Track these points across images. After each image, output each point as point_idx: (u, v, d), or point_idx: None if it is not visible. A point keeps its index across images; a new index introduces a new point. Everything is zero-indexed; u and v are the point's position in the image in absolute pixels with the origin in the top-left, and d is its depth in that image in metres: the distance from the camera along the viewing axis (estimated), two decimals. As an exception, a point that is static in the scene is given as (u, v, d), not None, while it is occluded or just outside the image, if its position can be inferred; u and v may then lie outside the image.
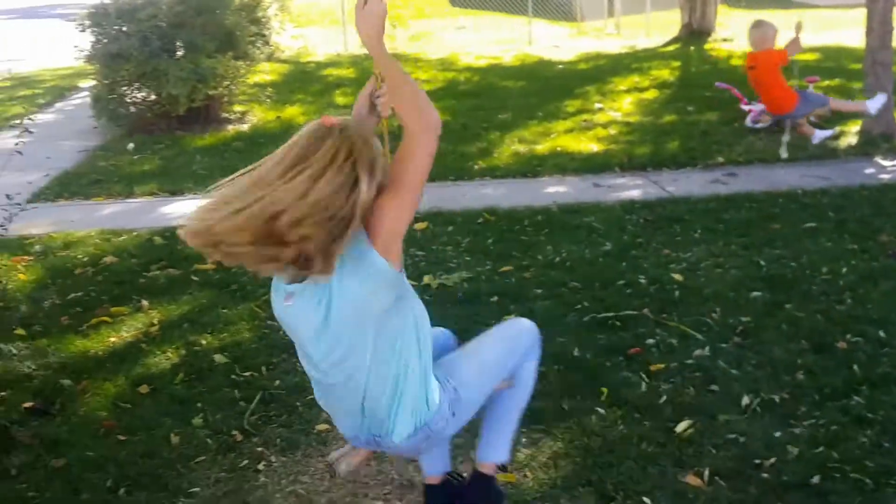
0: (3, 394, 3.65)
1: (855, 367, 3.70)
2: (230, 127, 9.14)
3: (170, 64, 8.40)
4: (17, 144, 4.61)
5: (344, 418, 2.43)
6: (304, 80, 11.95)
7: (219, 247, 2.09)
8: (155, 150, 8.13)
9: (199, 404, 3.60)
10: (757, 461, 3.08)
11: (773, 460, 3.08)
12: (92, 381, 3.78)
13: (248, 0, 12.76)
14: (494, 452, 2.69)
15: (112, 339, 4.19)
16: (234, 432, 3.40)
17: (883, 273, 4.71)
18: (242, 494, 3.04)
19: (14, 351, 3.96)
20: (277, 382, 3.77)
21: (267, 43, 13.90)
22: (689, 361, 3.82)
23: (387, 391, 2.29)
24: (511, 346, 2.64)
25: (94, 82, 9.08)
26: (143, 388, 3.72)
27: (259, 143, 8.28)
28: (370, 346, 2.24)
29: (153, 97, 8.80)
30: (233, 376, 3.84)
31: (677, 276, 4.75)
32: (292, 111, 9.72)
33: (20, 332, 4.24)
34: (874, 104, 7.34)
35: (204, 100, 8.74)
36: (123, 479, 3.10)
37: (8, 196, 4.58)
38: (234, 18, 9.53)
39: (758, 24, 7.68)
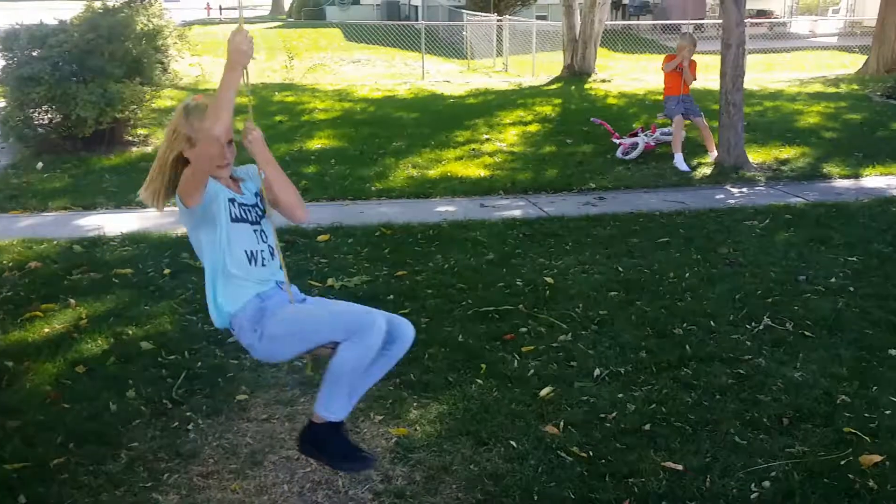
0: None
1: (687, 347, 4.49)
2: (134, 149, 9.56)
3: (79, 88, 8.78)
4: None
5: None
6: (206, 107, 12.37)
7: None
8: (63, 170, 8.48)
9: (130, 381, 4.10)
10: (602, 415, 3.81)
11: (614, 414, 3.82)
12: (33, 363, 4.23)
13: (149, 28, 13.16)
14: (320, 406, 2.94)
15: (46, 330, 4.64)
16: (165, 402, 3.93)
17: (720, 278, 5.56)
18: (176, 447, 3.57)
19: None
20: (199, 364, 4.31)
21: (166, 70, 14.27)
22: (555, 345, 4.55)
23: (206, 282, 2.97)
24: (334, 323, 2.88)
25: (2, 103, 9.37)
26: (80, 368, 4.20)
27: (166, 164, 8.71)
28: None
29: (60, 119, 9.14)
30: (159, 359, 4.35)
31: (549, 280, 5.50)
32: (196, 136, 10.16)
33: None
34: (680, 165, 8.81)
35: (110, 123, 9.14)
36: (72, 437, 3.58)
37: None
38: (142, 46, 9.96)
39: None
